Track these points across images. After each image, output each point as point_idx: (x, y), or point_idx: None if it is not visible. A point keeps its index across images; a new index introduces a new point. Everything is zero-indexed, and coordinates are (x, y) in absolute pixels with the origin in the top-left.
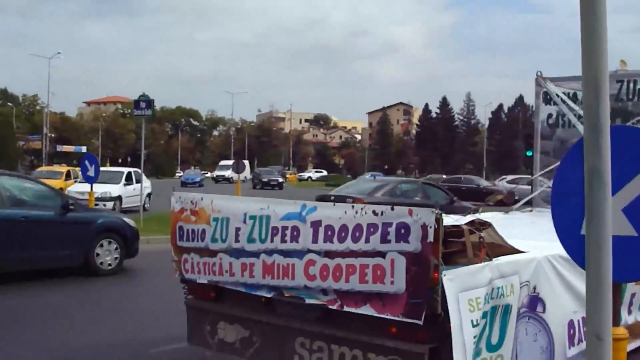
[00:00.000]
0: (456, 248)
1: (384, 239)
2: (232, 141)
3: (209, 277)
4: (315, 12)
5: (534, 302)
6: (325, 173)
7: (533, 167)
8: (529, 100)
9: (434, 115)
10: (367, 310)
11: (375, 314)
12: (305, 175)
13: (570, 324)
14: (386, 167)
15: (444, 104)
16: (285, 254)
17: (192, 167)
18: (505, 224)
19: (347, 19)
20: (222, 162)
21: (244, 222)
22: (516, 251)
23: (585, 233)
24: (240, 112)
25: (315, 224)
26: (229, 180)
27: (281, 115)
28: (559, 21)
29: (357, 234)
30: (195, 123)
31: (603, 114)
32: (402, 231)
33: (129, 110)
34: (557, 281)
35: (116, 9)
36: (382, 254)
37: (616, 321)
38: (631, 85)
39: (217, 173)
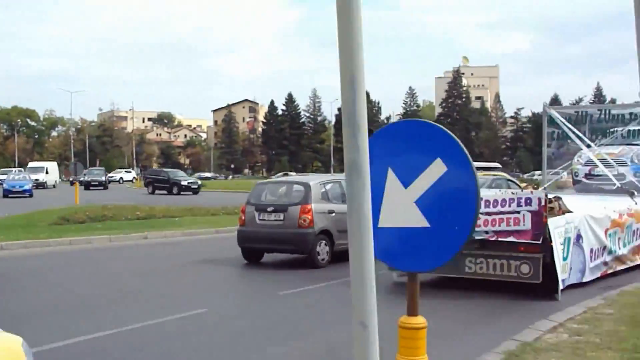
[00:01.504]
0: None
1: (518, 204)
2: (71, 142)
3: None
4: (160, 8)
5: (578, 237)
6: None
7: (542, 166)
8: (375, 96)
9: (280, 112)
10: (511, 238)
11: (516, 240)
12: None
13: (592, 250)
14: (232, 166)
15: (290, 100)
16: None
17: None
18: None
19: (192, 15)
20: (32, 164)
21: None
22: (570, 212)
23: (348, 225)
24: (80, 111)
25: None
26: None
27: (123, 114)
28: (404, 16)
29: (504, 203)
30: (33, 123)
31: (360, 111)
32: (529, 200)
33: None
34: (588, 227)
35: None
36: (518, 212)
37: (415, 310)
38: (605, 111)
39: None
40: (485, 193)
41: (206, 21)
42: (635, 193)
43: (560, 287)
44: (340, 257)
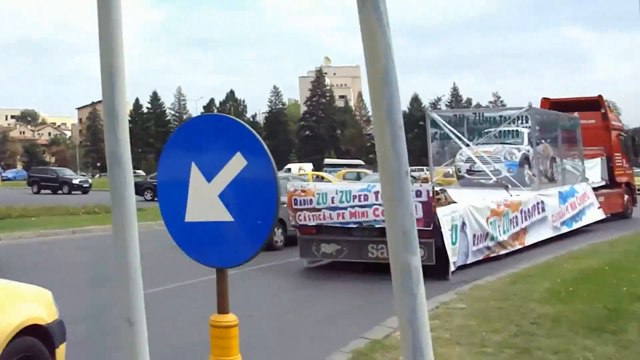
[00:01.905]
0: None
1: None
2: None
3: (316, 221)
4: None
5: (463, 225)
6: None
7: (429, 163)
8: (240, 95)
9: (145, 110)
10: None
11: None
12: (10, 174)
13: (475, 235)
14: (98, 164)
15: (155, 98)
16: (361, 206)
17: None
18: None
19: (55, 13)
20: None
21: (336, 193)
22: (455, 202)
23: (113, 218)
24: None
25: (377, 192)
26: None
27: None
28: (265, 17)
29: None
30: None
31: (119, 103)
32: (419, 192)
33: None
34: (471, 216)
35: None
36: None
37: (226, 308)
38: (480, 114)
39: None
40: (379, 186)
41: (70, 18)
42: (510, 186)
43: (452, 268)
44: (293, 241)
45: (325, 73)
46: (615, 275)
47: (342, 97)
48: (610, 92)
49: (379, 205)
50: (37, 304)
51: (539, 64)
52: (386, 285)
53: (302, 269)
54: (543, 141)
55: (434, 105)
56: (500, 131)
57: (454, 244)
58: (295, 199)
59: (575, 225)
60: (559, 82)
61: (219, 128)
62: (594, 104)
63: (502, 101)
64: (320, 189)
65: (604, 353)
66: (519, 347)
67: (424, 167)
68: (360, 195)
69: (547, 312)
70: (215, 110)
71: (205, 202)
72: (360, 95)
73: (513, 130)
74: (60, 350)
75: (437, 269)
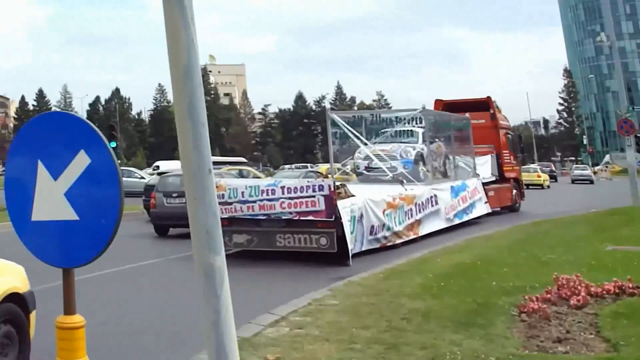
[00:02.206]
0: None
1: (314, 190)
2: None
3: (228, 214)
4: None
5: (361, 217)
6: None
7: (329, 160)
8: (126, 92)
9: (31, 107)
10: (310, 217)
11: (314, 218)
12: None
13: (372, 226)
14: None
15: (41, 96)
16: (269, 200)
17: None
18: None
19: None
20: None
21: (246, 188)
22: (354, 196)
23: None
24: None
25: (283, 187)
26: None
27: None
28: (151, 15)
29: (302, 189)
30: None
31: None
32: (322, 187)
33: None
34: (368, 208)
35: None
36: (314, 195)
37: (72, 309)
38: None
39: None
40: (287, 182)
41: None
42: (405, 182)
43: (350, 254)
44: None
45: (210, 71)
46: (486, 269)
47: (227, 95)
48: (488, 91)
49: (286, 198)
50: (15, 277)
51: (421, 63)
52: (289, 274)
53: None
54: (437, 140)
55: (318, 103)
56: (396, 131)
57: (352, 233)
58: None
59: (466, 217)
60: (440, 81)
61: (63, 126)
62: (484, 105)
63: (385, 99)
64: (231, 184)
65: (470, 347)
66: (387, 342)
67: (308, 165)
68: (268, 190)
69: (417, 307)
70: (101, 108)
71: (51, 200)
72: (245, 93)
73: (408, 130)
74: (33, 315)
75: (339, 255)
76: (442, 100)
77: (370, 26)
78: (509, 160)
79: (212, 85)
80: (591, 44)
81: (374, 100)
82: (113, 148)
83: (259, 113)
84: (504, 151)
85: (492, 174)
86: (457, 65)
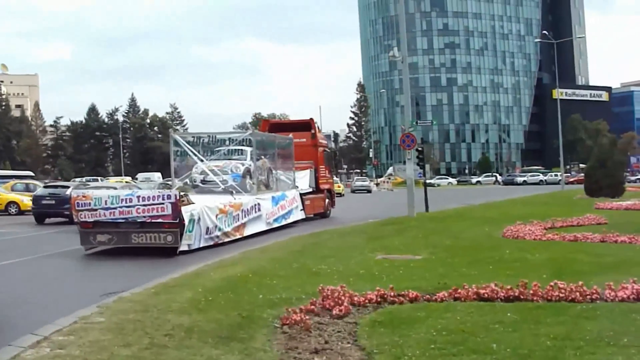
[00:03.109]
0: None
1: (163, 198)
2: None
3: (93, 218)
4: None
5: (199, 219)
6: None
7: (171, 175)
8: None
9: None
10: (160, 220)
11: (163, 221)
12: None
13: (208, 227)
14: None
15: None
16: (127, 207)
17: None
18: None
19: None
20: None
21: (108, 197)
22: (194, 203)
23: None
24: None
25: (139, 196)
26: None
27: None
28: None
29: (154, 198)
30: None
31: None
32: (169, 196)
33: None
34: (204, 213)
35: None
36: (163, 202)
37: None
38: (213, 136)
39: None
40: (142, 192)
41: None
42: (234, 192)
43: (187, 248)
44: None
45: (2, 81)
46: (257, 282)
47: (18, 106)
48: (283, 103)
49: (140, 205)
50: None
51: (219, 75)
52: (58, 291)
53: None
54: (262, 157)
55: (111, 115)
56: (228, 149)
57: (190, 232)
58: (77, 202)
59: (283, 222)
60: (238, 93)
61: None
62: (306, 126)
63: (179, 112)
64: (96, 194)
65: None
66: None
67: (99, 178)
68: (126, 199)
69: (182, 322)
70: None
71: None
72: (37, 104)
73: (238, 149)
74: None
75: (169, 251)
76: (268, 120)
77: (169, 38)
78: (324, 174)
79: (4, 97)
80: (386, 58)
81: (167, 113)
82: None
83: (51, 125)
84: (321, 166)
85: (309, 185)
86: (257, 77)
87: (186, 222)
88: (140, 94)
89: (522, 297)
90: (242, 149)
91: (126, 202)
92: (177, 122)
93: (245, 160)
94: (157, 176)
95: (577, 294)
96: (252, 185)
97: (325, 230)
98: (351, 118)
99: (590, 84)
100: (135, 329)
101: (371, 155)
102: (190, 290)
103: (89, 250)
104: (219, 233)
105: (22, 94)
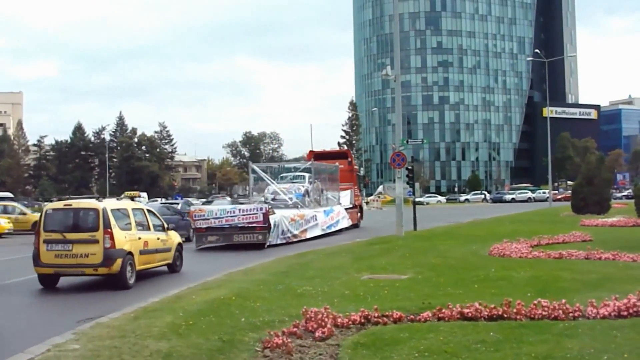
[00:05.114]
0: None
1: (257, 210)
2: None
3: (206, 224)
4: None
5: (278, 225)
6: None
7: (249, 192)
8: None
9: None
10: (254, 225)
11: (256, 225)
12: None
13: (283, 230)
14: None
15: None
16: (231, 216)
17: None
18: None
19: None
20: None
21: (218, 210)
22: (275, 213)
23: None
24: None
25: (240, 209)
26: None
27: None
28: None
29: (251, 209)
30: None
31: None
32: (261, 208)
33: None
34: (282, 220)
35: None
36: (257, 212)
37: None
38: (281, 166)
39: None
40: (243, 206)
41: None
42: (299, 207)
43: (267, 244)
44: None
45: None
46: (240, 305)
47: (1, 125)
48: (274, 121)
49: (241, 215)
50: None
51: (210, 94)
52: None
53: None
54: (317, 181)
55: (98, 134)
56: (293, 175)
57: (272, 232)
58: (195, 214)
59: (333, 229)
60: (229, 112)
61: None
62: (344, 154)
63: (167, 131)
64: (208, 208)
65: None
66: None
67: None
68: (231, 211)
69: (161, 348)
70: None
71: None
72: (20, 123)
73: (300, 175)
74: None
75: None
76: (313, 150)
77: (160, 55)
78: (358, 194)
79: None
80: (379, 77)
81: (155, 132)
82: None
83: (34, 145)
84: (355, 187)
85: (350, 202)
86: (248, 95)
87: (272, 226)
88: (128, 112)
89: (505, 315)
90: (303, 175)
91: (231, 213)
92: (166, 141)
93: (305, 183)
94: (144, 195)
95: (560, 311)
96: (310, 202)
97: (312, 250)
98: (342, 137)
99: (580, 102)
100: (111, 356)
101: (362, 173)
102: (171, 314)
103: (200, 246)
104: (289, 235)
105: (5, 112)
